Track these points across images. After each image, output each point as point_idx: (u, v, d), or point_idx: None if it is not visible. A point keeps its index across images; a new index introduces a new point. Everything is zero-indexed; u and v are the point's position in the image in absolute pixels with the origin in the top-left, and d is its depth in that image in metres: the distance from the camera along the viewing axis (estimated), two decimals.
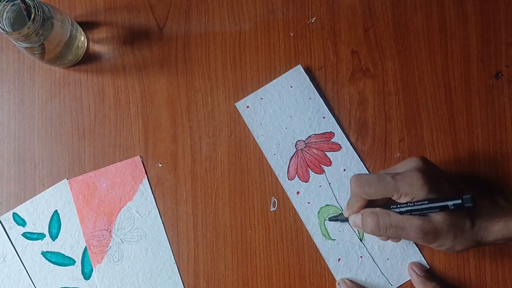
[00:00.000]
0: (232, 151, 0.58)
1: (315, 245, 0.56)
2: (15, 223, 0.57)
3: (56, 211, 0.57)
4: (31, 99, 0.59)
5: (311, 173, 0.57)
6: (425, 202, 0.46)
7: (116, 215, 0.57)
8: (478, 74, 0.58)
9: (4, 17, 0.50)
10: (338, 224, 0.56)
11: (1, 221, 0.57)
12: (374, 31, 0.59)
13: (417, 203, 0.46)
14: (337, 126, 0.58)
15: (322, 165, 0.57)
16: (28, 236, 0.56)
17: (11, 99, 0.59)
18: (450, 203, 0.44)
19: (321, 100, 0.58)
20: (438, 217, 0.46)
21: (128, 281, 0.56)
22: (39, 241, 0.56)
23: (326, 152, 0.58)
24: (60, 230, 0.57)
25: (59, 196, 0.57)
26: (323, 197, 0.57)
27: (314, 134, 0.58)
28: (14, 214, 0.57)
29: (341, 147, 0.58)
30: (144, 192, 0.57)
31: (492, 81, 0.58)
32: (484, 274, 0.56)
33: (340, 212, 0.56)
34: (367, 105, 0.58)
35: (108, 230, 0.56)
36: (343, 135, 0.58)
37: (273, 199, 0.57)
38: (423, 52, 0.59)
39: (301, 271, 0.56)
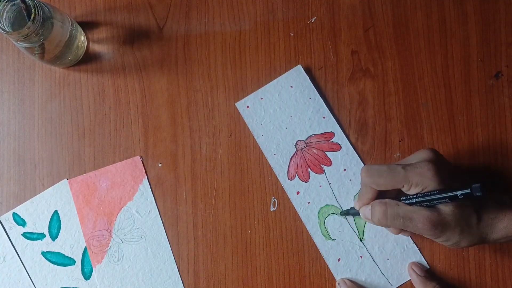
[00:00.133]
0: (232, 151, 0.58)
1: (315, 245, 0.56)
2: (15, 223, 0.57)
3: (56, 211, 0.57)
4: (31, 99, 0.59)
5: (311, 173, 0.57)
6: (435, 192, 0.46)
7: (116, 215, 0.57)
8: (478, 74, 0.58)
9: (4, 17, 0.50)
10: (338, 224, 0.56)
11: (1, 221, 0.57)
12: (374, 31, 0.59)
13: (427, 194, 0.46)
14: (337, 126, 0.58)
15: (322, 165, 0.57)
16: (28, 236, 0.56)
17: (11, 99, 0.59)
18: (459, 192, 0.44)
19: (321, 100, 0.58)
20: (446, 209, 0.46)
21: (128, 281, 0.56)
22: (39, 241, 0.56)
23: (326, 152, 0.58)
24: (60, 230, 0.57)
25: (59, 196, 0.57)
26: (323, 197, 0.57)
27: (314, 134, 0.58)
28: (14, 214, 0.57)
29: (341, 147, 0.58)
30: (144, 192, 0.57)
31: (492, 81, 0.58)
32: (484, 274, 0.56)
33: (340, 211, 0.56)
34: (367, 105, 0.58)
35: (108, 230, 0.56)
36: (343, 135, 0.58)
37: (273, 199, 0.57)
38: (423, 52, 0.59)
39: (301, 271, 0.56)
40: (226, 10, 0.60)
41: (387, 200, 0.49)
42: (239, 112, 0.58)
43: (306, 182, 0.57)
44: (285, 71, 0.59)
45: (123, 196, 0.57)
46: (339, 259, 0.56)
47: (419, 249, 0.56)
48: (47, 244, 0.56)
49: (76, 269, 0.56)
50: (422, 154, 0.48)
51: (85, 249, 0.56)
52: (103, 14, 0.60)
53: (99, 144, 0.58)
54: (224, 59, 0.59)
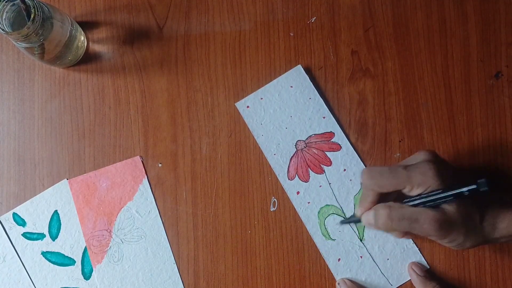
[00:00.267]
0: (232, 151, 0.58)
1: (315, 245, 0.56)
2: (15, 223, 0.57)
3: (56, 211, 0.57)
4: (31, 99, 0.59)
5: (311, 173, 0.57)
6: (439, 191, 0.45)
7: (116, 215, 0.57)
8: (478, 74, 0.58)
9: (4, 17, 0.50)
10: (337, 225, 0.56)
11: (1, 221, 0.57)
12: (374, 31, 0.59)
13: (431, 194, 0.46)
14: (337, 126, 0.58)
15: (322, 165, 0.57)
16: (28, 236, 0.56)
17: (11, 99, 0.59)
18: (465, 188, 0.43)
19: (321, 100, 0.58)
20: (451, 208, 0.46)
21: (128, 281, 0.56)
22: (39, 241, 0.56)
23: (326, 152, 0.58)
24: (60, 230, 0.57)
25: (59, 196, 0.57)
26: (323, 197, 0.57)
27: (314, 134, 0.58)
28: (14, 214, 0.57)
29: (341, 147, 0.58)
30: (144, 192, 0.57)
31: (492, 81, 0.58)
32: (484, 274, 0.56)
33: (339, 210, 0.56)
34: (367, 105, 0.58)
35: (108, 230, 0.56)
36: (343, 135, 0.58)
37: (273, 199, 0.57)
38: (423, 52, 0.59)
39: (301, 271, 0.56)
40: (226, 10, 0.60)
41: (390, 203, 0.48)
42: (239, 112, 0.58)
43: (306, 182, 0.57)
44: (285, 71, 0.59)
45: (123, 196, 0.57)
46: (339, 259, 0.56)
47: (419, 249, 0.56)
48: (47, 244, 0.56)
49: (76, 269, 0.56)
50: (421, 155, 0.48)
51: (85, 249, 0.56)
52: (103, 14, 0.60)
53: (99, 144, 0.58)
54: (224, 59, 0.59)
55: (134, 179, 0.57)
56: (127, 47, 0.59)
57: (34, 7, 0.48)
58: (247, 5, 0.60)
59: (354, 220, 0.53)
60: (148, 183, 0.57)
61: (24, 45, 0.51)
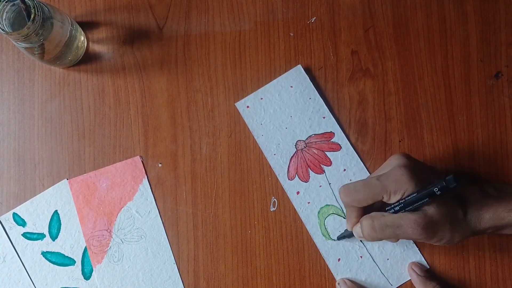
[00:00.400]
0: (232, 151, 0.58)
1: (315, 245, 0.56)
2: (15, 223, 0.57)
3: (56, 211, 0.57)
4: (31, 99, 0.59)
5: (311, 173, 0.57)
6: (414, 194, 0.46)
7: (116, 215, 0.57)
8: (478, 74, 0.58)
9: (4, 17, 0.50)
10: (338, 224, 0.56)
11: (1, 221, 0.57)
12: (374, 31, 0.59)
13: (408, 199, 0.46)
14: (337, 126, 0.58)
15: (322, 165, 0.57)
16: (28, 236, 0.56)
17: (11, 99, 0.59)
18: (435, 188, 0.44)
19: (321, 100, 0.58)
20: (431, 209, 0.46)
21: (128, 281, 0.56)
22: (39, 241, 0.56)
23: (326, 152, 0.58)
24: (60, 230, 0.57)
25: (59, 196, 0.57)
26: (323, 197, 0.57)
27: (314, 134, 0.58)
28: (14, 214, 0.57)
29: (341, 147, 0.58)
30: (144, 192, 0.57)
31: (492, 81, 0.58)
32: (484, 274, 0.56)
33: (339, 210, 0.56)
34: (367, 105, 0.58)
35: (108, 230, 0.56)
36: (343, 135, 0.58)
37: (273, 199, 0.57)
38: (423, 52, 0.59)
39: (301, 271, 0.56)
40: (226, 10, 0.60)
41: (373, 213, 0.49)
42: (239, 112, 0.58)
43: (306, 182, 0.57)
44: (285, 71, 0.59)
45: (123, 196, 0.57)
46: (339, 259, 0.56)
47: (419, 249, 0.56)
48: (47, 244, 0.56)
49: (76, 269, 0.56)
50: (393, 161, 0.49)
51: (85, 249, 0.56)
52: (103, 14, 0.60)
53: (99, 144, 0.58)
54: (224, 59, 0.59)
55: (134, 179, 0.57)
56: (127, 47, 0.59)
57: (34, 7, 0.48)
58: (247, 5, 0.60)
59: (348, 234, 0.54)
60: (148, 183, 0.57)
61: (24, 45, 0.51)
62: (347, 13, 0.59)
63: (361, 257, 0.56)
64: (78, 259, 0.56)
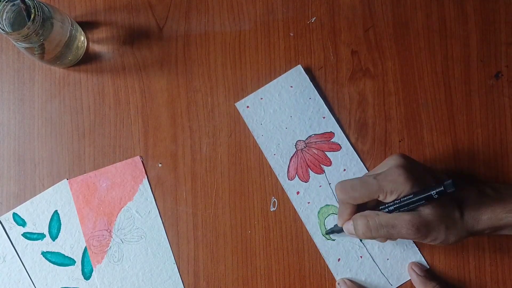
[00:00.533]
0: (232, 151, 0.58)
1: (315, 245, 0.56)
2: (15, 223, 0.57)
3: (56, 211, 0.57)
4: (31, 99, 0.59)
5: (311, 173, 0.57)
6: (410, 196, 0.46)
7: (116, 215, 0.57)
8: (478, 74, 0.58)
9: (4, 17, 0.50)
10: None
11: (1, 221, 0.57)
12: (374, 31, 0.59)
13: (403, 199, 0.46)
14: (337, 126, 0.58)
15: (322, 165, 0.57)
16: (28, 236, 0.56)
17: (11, 99, 0.59)
18: (433, 191, 0.44)
19: (321, 100, 0.58)
20: (427, 210, 0.46)
21: (128, 281, 0.56)
22: (39, 241, 0.56)
23: (326, 152, 0.58)
24: (60, 230, 0.57)
25: (59, 196, 0.57)
26: (323, 197, 0.57)
27: (314, 134, 0.58)
28: (14, 214, 0.57)
29: (341, 147, 0.58)
30: (144, 192, 0.57)
31: (492, 81, 0.58)
32: (484, 274, 0.56)
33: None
34: (367, 105, 0.58)
35: (108, 230, 0.56)
36: (343, 135, 0.58)
37: (273, 199, 0.57)
38: (423, 52, 0.59)
39: (301, 271, 0.56)
40: (226, 10, 0.60)
41: (366, 212, 0.49)
42: (239, 112, 0.58)
43: (306, 182, 0.57)
44: (285, 71, 0.59)
45: (123, 196, 0.57)
46: (339, 259, 0.56)
47: (419, 249, 0.56)
48: (47, 244, 0.56)
49: (76, 269, 0.56)
50: (391, 161, 0.49)
51: (85, 249, 0.56)
52: (103, 14, 0.60)
53: (99, 144, 0.58)
54: (224, 59, 0.59)
55: (134, 179, 0.57)
56: (127, 47, 0.59)
57: (34, 7, 0.48)
58: (247, 5, 0.60)
59: (337, 229, 0.54)
60: (148, 183, 0.57)
61: (24, 45, 0.51)
62: (347, 13, 0.59)
63: (361, 257, 0.56)
64: (78, 259, 0.56)
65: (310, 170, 0.57)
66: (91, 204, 0.57)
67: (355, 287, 0.54)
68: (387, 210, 0.48)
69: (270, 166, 0.57)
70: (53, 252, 0.56)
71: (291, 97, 0.58)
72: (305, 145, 0.58)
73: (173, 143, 0.58)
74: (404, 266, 0.55)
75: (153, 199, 0.57)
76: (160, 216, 0.57)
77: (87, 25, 0.59)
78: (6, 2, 0.50)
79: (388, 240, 0.54)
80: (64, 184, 0.57)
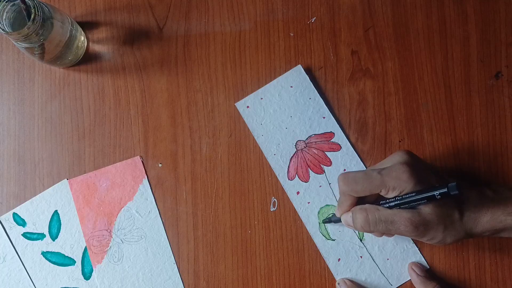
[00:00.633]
0: (232, 151, 0.58)
1: (315, 245, 0.56)
2: (15, 223, 0.57)
3: (56, 211, 0.57)
4: (31, 99, 0.59)
5: (311, 173, 0.57)
6: (413, 194, 0.46)
7: (116, 215, 0.57)
8: (478, 74, 0.58)
9: (4, 17, 0.50)
10: (338, 224, 0.56)
11: (1, 221, 0.57)
12: (374, 31, 0.59)
13: (405, 196, 0.46)
14: (337, 126, 0.58)
15: (322, 165, 0.57)
16: (28, 236, 0.56)
17: (11, 99, 0.59)
18: (436, 192, 0.44)
19: (321, 100, 0.58)
20: (427, 209, 0.46)
21: (128, 281, 0.56)
22: (39, 241, 0.56)
23: (326, 152, 0.58)
24: (60, 230, 0.57)
25: (59, 196, 0.57)
26: (323, 197, 0.57)
27: (314, 134, 0.58)
28: (14, 214, 0.57)
29: (341, 147, 0.58)
30: (144, 192, 0.57)
31: (492, 81, 0.58)
32: (484, 274, 0.56)
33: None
34: (367, 105, 0.58)
35: (108, 230, 0.56)
36: (343, 135, 0.58)
37: (273, 199, 0.57)
38: (423, 52, 0.59)
39: (301, 271, 0.56)
40: (226, 10, 0.60)
41: (366, 206, 0.49)
42: (239, 112, 0.58)
43: (306, 182, 0.57)
44: (285, 71, 0.59)
45: (123, 196, 0.57)
46: (339, 259, 0.56)
47: (419, 249, 0.56)
48: (47, 244, 0.56)
49: (76, 269, 0.56)
50: (397, 157, 0.49)
51: (85, 249, 0.56)
52: (103, 14, 0.60)
53: (99, 144, 0.58)
54: (224, 59, 0.59)
55: (134, 179, 0.57)
56: (127, 47, 0.59)
57: (34, 7, 0.48)
58: (247, 5, 0.60)
59: (335, 219, 0.54)
60: (148, 183, 0.57)
61: (24, 45, 0.51)
62: (347, 13, 0.59)
63: (361, 257, 0.56)
64: (78, 259, 0.56)
65: (310, 170, 0.57)
66: (91, 204, 0.57)
67: (355, 287, 0.54)
68: (387, 205, 0.48)
69: (270, 166, 0.57)
70: (53, 252, 0.56)
71: (291, 97, 0.58)
72: (305, 145, 0.58)
73: (173, 143, 0.58)
74: (404, 266, 0.55)
75: (153, 199, 0.57)
76: (160, 216, 0.57)
77: (87, 25, 0.60)
78: (6, 2, 0.50)
79: (384, 237, 0.55)
80: (64, 184, 0.57)
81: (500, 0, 0.59)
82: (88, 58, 0.59)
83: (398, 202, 0.47)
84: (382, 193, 0.48)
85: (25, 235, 0.56)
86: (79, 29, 0.57)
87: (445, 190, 0.44)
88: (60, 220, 0.57)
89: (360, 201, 0.50)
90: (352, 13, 0.59)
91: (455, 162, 0.57)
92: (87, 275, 0.56)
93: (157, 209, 0.57)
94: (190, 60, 0.59)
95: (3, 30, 0.49)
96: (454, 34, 0.59)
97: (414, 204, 0.46)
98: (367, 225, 0.48)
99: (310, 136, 0.58)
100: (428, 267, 0.56)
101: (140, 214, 0.57)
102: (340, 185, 0.50)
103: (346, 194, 0.50)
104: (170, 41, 0.59)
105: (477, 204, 0.48)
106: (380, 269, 0.55)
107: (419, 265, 0.55)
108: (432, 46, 0.59)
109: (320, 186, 0.57)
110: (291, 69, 0.59)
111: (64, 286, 0.56)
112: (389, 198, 0.48)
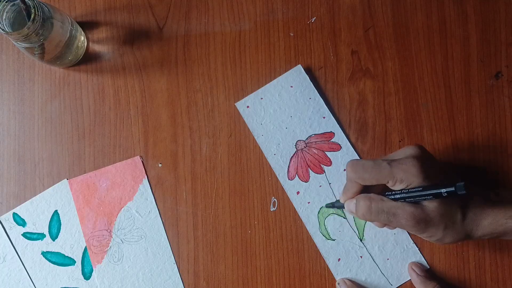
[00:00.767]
0: (232, 151, 0.58)
1: (315, 245, 0.56)
2: (15, 223, 0.57)
3: (56, 211, 0.57)
4: (31, 99, 0.59)
5: (311, 173, 0.57)
6: (419, 189, 0.46)
7: (116, 215, 0.57)
8: (478, 74, 0.58)
9: (4, 17, 0.50)
10: (338, 224, 0.56)
11: (1, 221, 0.57)
12: (374, 31, 0.59)
13: (411, 190, 0.46)
14: (337, 126, 0.58)
15: (322, 165, 0.57)
16: (28, 236, 0.56)
17: (11, 99, 0.59)
18: (443, 190, 0.44)
19: (321, 100, 0.58)
20: (431, 206, 0.46)
21: (128, 281, 0.56)
22: (39, 241, 0.56)
23: (326, 152, 0.58)
24: (60, 230, 0.57)
25: (59, 196, 0.57)
26: (323, 197, 0.57)
27: (314, 134, 0.58)
28: (14, 214, 0.57)
29: (341, 147, 0.58)
30: (144, 192, 0.57)
31: (492, 81, 0.58)
32: (484, 274, 0.56)
33: (339, 210, 0.56)
34: (367, 105, 0.58)
35: (108, 230, 0.56)
36: (343, 135, 0.58)
37: (273, 199, 0.57)
38: (423, 52, 0.59)
39: (301, 271, 0.56)
40: (226, 10, 0.60)
41: (372, 195, 0.49)
42: (239, 112, 0.58)
43: (306, 182, 0.57)
44: (285, 71, 0.59)
45: (123, 196, 0.57)
46: (339, 259, 0.56)
47: (419, 249, 0.56)
48: (47, 244, 0.56)
49: (76, 269, 0.56)
50: (408, 150, 0.49)
51: (85, 249, 0.56)
52: (103, 14, 0.60)
53: (99, 144, 0.58)
54: (224, 59, 0.59)
55: (134, 179, 0.57)
56: (127, 47, 0.59)
57: (34, 7, 0.48)
58: (247, 5, 0.60)
59: (338, 205, 0.54)
60: (148, 183, 0.57)
61: (24, 45, 0.51)
62: (347, 13, 0.59)
63: (361, 257, 0.56)
64: (78, 259, 0.56)
65: (310, 170, 0.57)
66: (91, 204, 0.57)
67: (355, 287, 0.54)
68: (392, 197, 0.48)
69: (270, 166, 0.57)
70: (53, 252, 0.56)
71: (291, 97, 0.58)
72: (305, 145, 0.58)
73: (173, 143, 0.58)
74: (404, 266, 0.55)
75: (153, 199, 0.57)
76: (160, 216, 0.57)
77: (87, 25, 0.60)
78: (6, 2, 0.50)
79: (384, 237, 0.55)
80: (64, 184, 0.57)
81: (500, 0, 0.59)
82: (88, 58, 0.59)
83: (404, 195, 0.47)
84: (389, 185, 0.48)
85: (25, 235, 0.56)
86: (79, 29, 0.57)
87: (453, 189, 0.43)
88: (60, 220, 0.57)
89: (365, 190, 0.50)
90: (352, 13, 0.59)
91: (455, 162, 0.57)
92: (87, 275, 0.56)
93: (157, 209, 0.57)
94: (190, 60, 0.59)
95: (3, 30, 0.49)
96: (454, 34, 0.59)
97: (419, 199, 0.46)
98: (368, 213, 0.48)
99: (310, 136, 0.58)
100: (428, 267, 0.56)
101: (140, 214, 0.57)
102: (348, 171, 0.50)
103: (353, 181, 0.50)
104: (170, 41, 0.59)
105: (479, 206, 0.48)
106: (380, 269, 0.55)
107: (419, 265, 0.55)
108: (432, 46, 0.59)
109: (320, 186, 0.57)
110: (291, 69, 0.59)
111: (64, 286, 0.56)
112: (395, 190, 0.48)
